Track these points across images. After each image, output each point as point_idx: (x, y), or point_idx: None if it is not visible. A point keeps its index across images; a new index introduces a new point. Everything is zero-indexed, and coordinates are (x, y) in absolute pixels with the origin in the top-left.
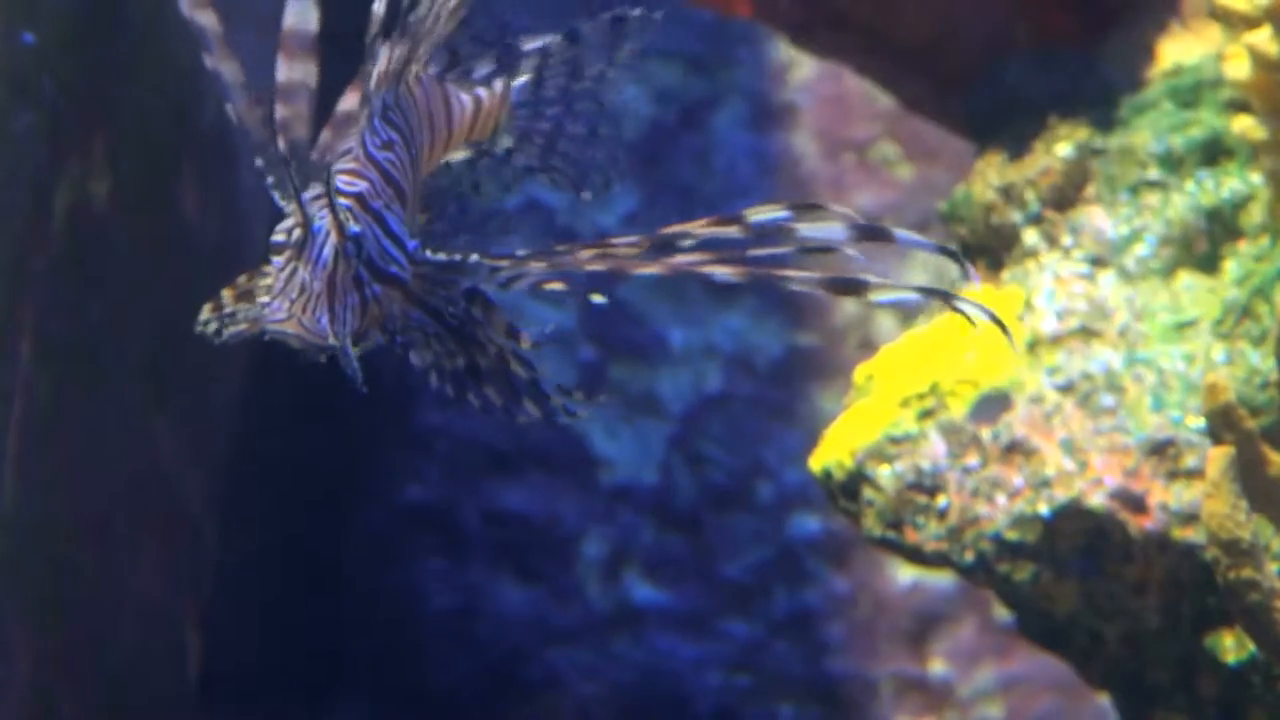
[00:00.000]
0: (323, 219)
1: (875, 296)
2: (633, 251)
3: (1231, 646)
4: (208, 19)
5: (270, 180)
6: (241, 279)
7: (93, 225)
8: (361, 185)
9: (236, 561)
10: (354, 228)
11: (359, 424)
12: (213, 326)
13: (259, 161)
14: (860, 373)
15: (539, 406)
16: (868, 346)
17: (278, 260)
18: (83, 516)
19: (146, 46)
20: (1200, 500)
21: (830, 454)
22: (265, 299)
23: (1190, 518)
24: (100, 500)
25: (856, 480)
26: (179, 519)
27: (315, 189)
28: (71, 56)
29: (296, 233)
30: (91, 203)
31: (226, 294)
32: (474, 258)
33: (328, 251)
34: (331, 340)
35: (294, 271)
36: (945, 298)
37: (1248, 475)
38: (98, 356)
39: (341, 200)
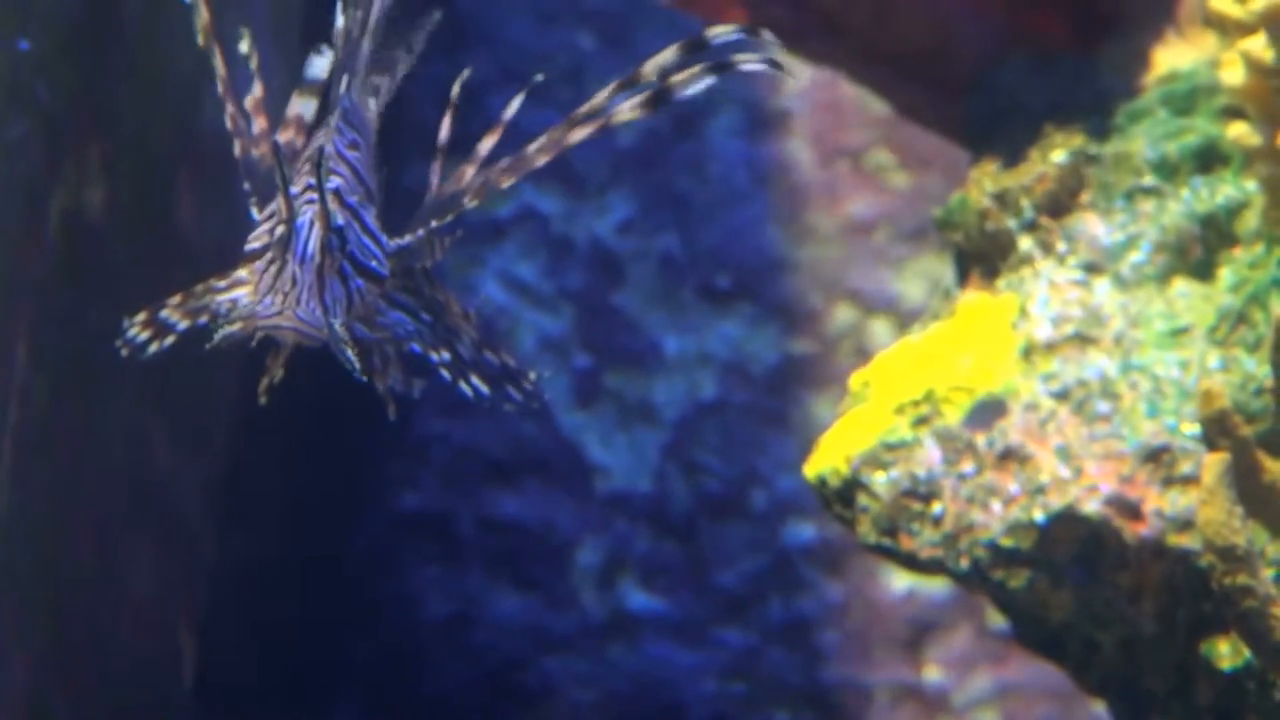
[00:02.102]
0: (305, 215)
1: (684, 91)
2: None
3: (1227, 653)
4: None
5: (250, 195)
6: (175, 298)
7: (89, 232)
8: (337, 181)
9: (232, 568)
10: (338, 220)
11: (357, 431)
12: (141, 339)
13: (245, 185)
14: (856, 379)
15: (519, 390)
16: (862, 354)
17: (259, 265)
18: (79, 522)
19: (143, 53)
20: (1195, 507)
21: (825, 461)
22: (240, 296)
23: (1186, 524)
24: (97, 506)
25: (851, 487)
26: (175, 525)
27: (298, 185)
28: (67, 63)
29: (279, 230)
30: (87, 209)
31: (168, 311)
32: (431, 225)
33: (313, 244)
34: (326, 331)
35: (281, 267)
36: (728, 66)
37: (1243, 482)
38: (94, 363)
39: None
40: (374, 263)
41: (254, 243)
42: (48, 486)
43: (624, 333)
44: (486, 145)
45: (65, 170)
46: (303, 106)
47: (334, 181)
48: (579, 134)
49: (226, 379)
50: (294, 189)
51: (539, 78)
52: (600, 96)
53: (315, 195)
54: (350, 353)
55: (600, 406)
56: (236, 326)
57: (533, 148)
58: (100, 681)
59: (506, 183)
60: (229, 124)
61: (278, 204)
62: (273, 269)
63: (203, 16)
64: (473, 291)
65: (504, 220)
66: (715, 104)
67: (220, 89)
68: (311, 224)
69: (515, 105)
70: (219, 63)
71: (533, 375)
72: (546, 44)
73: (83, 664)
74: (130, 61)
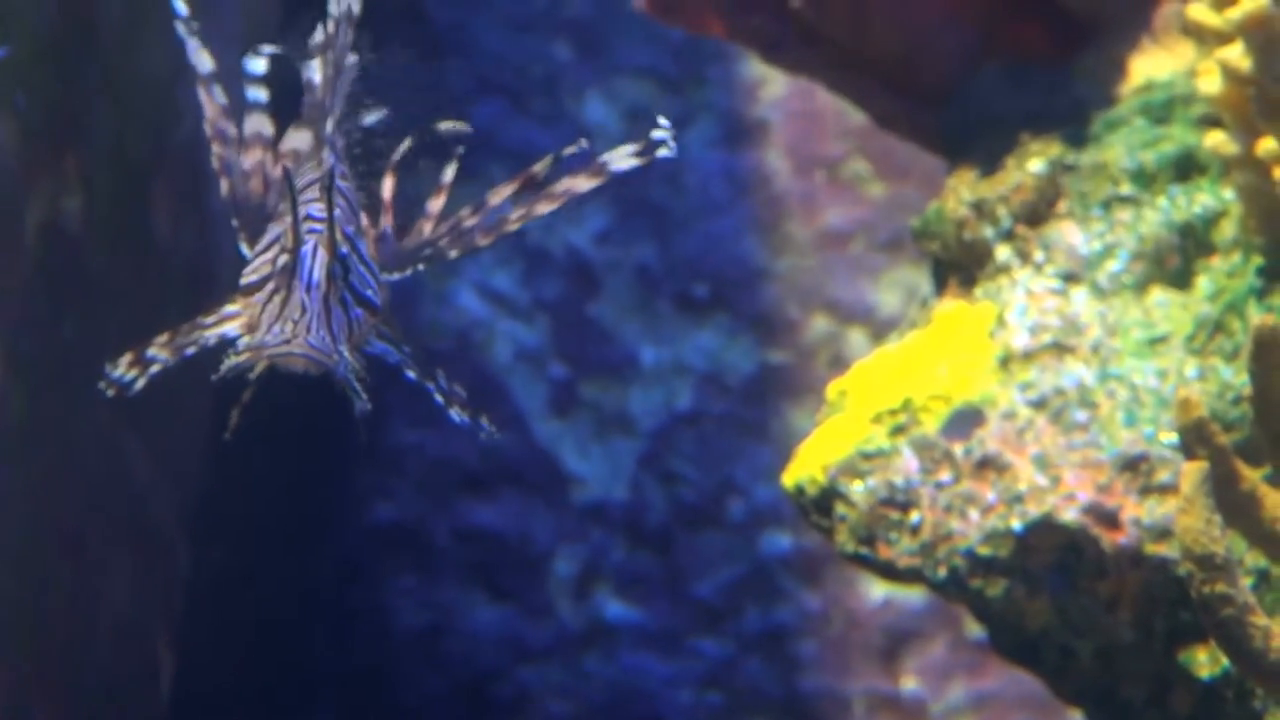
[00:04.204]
0: (308, 242)
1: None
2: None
3: (1205, 661)
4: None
5: (239, 231)
6: (162, 337)
7: (65, 242)
8: (336, 211)
9: (208, 580)
10: (341, 248)
11: (331, 442)
12: (129, 377)
13: (234, 222)
14: (833, 389)
15: (490, 421)
16: (839, 364)
17: (259, 297)
18: (56, 534)
19: (120, 63)
20: (1173, 515)
21: (803, 470)
22: (237, 330)
23: (1163, 533)
24: (73, 518)
25: (829, 496)
26: (151, 537)
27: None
28: (45, 72)
29: (283, 258)
30: (64, 219)
31: (154, 349)
32: (420, 267)
33: (319, 272)
34: (334, 358)
35: (287, 295)
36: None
37: (1221, 490)
38: (70, 374)
39: (319, 225)
40: (370, 292)
41: (251, 275)
42: (25, 497)
43: (600, 343)
44: (436, 204)
45: (42, 179)
46: (298, 140)
47: (335, 211)
48: (547, 206)
49: (202, 392)
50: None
51: (461, 150)
52: (567, 182)
53: (315, 224)
54: (356, 384)
55: (576, 416)
56: (245, 358)
57: (515, 215)
58: (78, 694)
59: (485, 241)
60: (215, 164)
61: (282, 233)
62: (277, 298)
63: (205, 64)
64: (448, 303)
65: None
66: (692, 114)
67: (209, 130)
68: (315, 251)
69: (451, 172)
70: (208, 104)
71: (485, 421)
72: (522, 54)
73: (60, 676)
74: (107, 71)
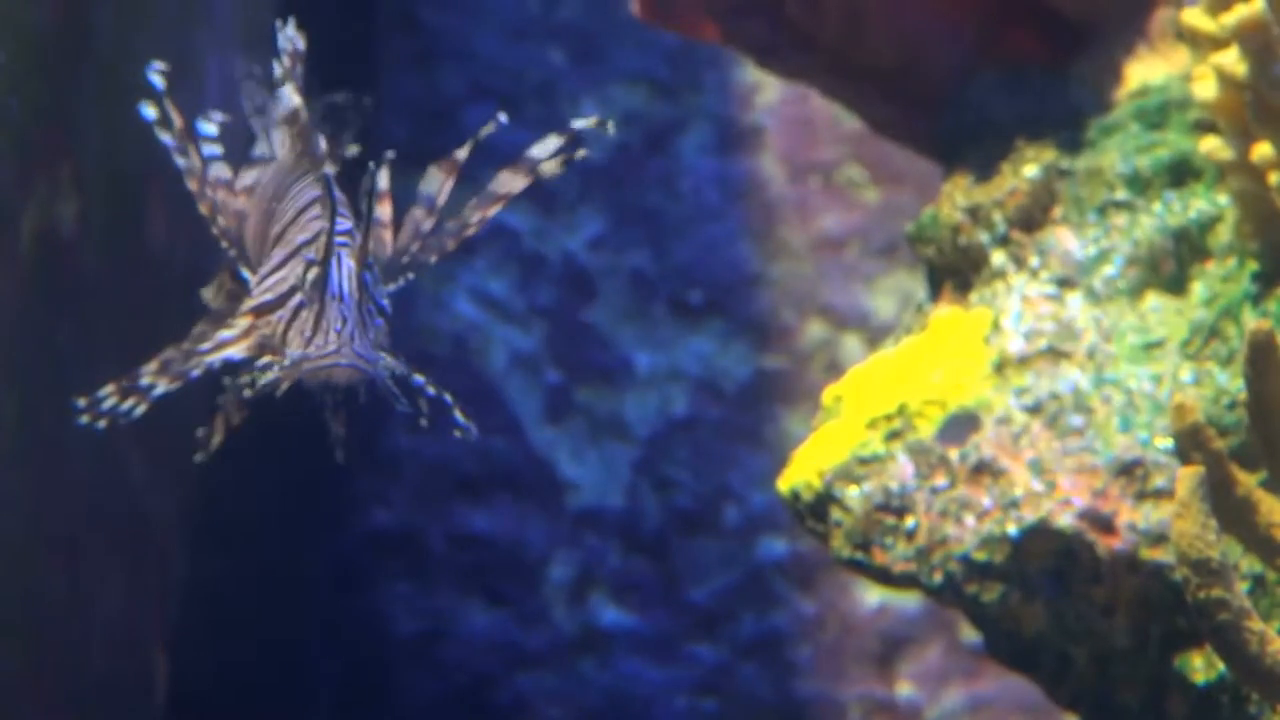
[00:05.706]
0: (334, 254)
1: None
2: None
3: (1201, 667)
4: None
5: (237, 260)
6: (151, 365)
7: (60, 248)
8: (349, 224)
9: (204, 585)
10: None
11: (327, 447)
12: (126, 406)
13: (230, 252)
14: (829, 394)
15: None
16: (834, 369)
17: (280, 314)
18: (51, 538)
19: (114, 70)
20: (1169, 520)
21: (798, 475)
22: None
23: (1159, 538)
24: (69, 522)
25: (824, 501)
26: (146, 541)
27: (307, 232)
28: (39, 79)
29: (312, 273)
30: (59, 225)
31: (148, 379)
32: (410, 277)
33: (350, 283)
34: (375, 367)
35: (322, 308)
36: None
37: (1217, 495)
38: (66, 379)
39: (342, 238)
40: (385, 301)
41: (265, 295)
42: (20, 501)
43: (595, 348)
44: (385, 211)
45: (37, 185)
46: (249, 179)
47: (347, 224)
48: (494, 207)
49: (197, 396)
50: (304, 236)
51: (390, 154)
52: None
53: (337, 238)
54: (395, 391)
55: (571, 422)
56: (277, 375)
57: (474, 220)
58: (74, 697)
59: (453, 245)
60: (204, 210)
61: (289, 255)
62: (307, 312)
63: (177, 122)
64: (444, 308)
65: (475, 236)
66: (686, 120)
67: (192, 185)
68: (342, 263)
69: (385, 179)
70: (187, 163)
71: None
72: (517, 59)
73: (55, 680)
74: (102, 78)
